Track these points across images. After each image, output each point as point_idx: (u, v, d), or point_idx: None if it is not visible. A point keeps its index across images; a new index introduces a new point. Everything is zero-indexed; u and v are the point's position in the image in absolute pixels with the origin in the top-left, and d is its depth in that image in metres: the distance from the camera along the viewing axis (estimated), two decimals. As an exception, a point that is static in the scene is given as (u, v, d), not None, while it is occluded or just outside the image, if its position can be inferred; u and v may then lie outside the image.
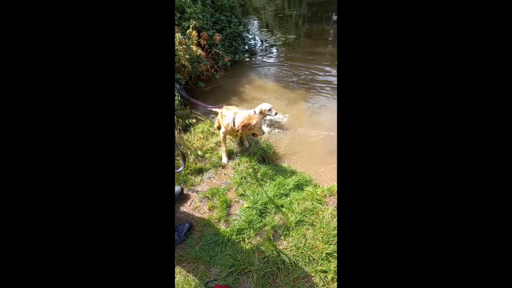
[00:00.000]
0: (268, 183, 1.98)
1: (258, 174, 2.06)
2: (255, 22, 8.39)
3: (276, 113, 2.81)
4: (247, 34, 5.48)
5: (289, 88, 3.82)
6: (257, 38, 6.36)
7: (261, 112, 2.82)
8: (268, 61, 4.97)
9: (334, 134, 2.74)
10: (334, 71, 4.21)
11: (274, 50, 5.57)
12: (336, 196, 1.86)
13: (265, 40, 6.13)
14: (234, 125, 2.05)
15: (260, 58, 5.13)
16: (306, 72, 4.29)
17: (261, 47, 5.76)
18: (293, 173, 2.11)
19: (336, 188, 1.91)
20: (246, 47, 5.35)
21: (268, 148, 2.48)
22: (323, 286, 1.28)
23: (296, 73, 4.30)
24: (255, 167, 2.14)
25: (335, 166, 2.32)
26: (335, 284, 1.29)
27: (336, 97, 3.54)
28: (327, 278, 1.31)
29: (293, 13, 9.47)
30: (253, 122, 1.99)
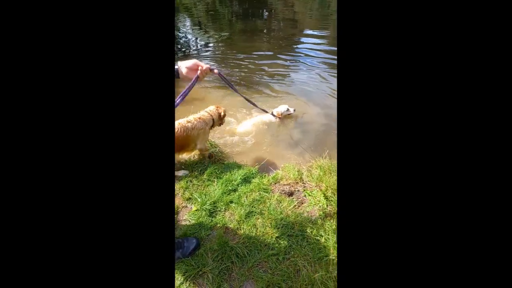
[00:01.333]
0: (215, 182, 1.98)
1: (205, 175, 2.03)
2: (187, 20, 8.09)
3: (294, 110, 2.96)
4: (177, 33, 5.26)
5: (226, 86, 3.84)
6: (189, 36, 6.17)
7: (278, 116, 2.89)
8: (204, 60, 4.89)
9: (267, 126, 2.90)
10: (268, 69, 4.41)
11: (210, 47, 5.50)
12: (280, 182, 1.98)
13: (198, 38, 6.00)
14: None
15: (195, 57, 5.00)
16: (245, 70, 4.38)
17: (194, 46, 5.61)
18: (239, 168, 2.15)
19: (280, 175, 2.03)
20: (179, 46, 5.14)
21: (213, 147, 2.47)
22: (275, 268, 1.36)
23: (234, 71, 4.35)
24: (200, 168, 2.11)
25: (278, 155, 2.46)
26: (287, 262, 1.38)
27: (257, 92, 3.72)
28: (279, 260, 1.40)
29: (225, 11, 9.48)
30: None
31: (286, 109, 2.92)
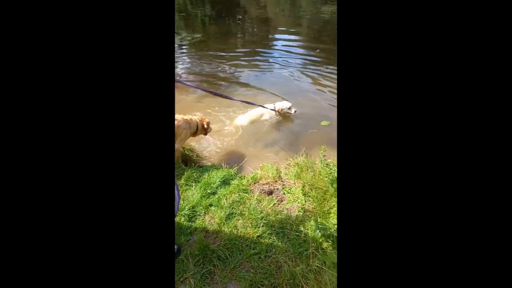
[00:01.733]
0: (193, 186, 1.95)
1: (182, 180, 1.99)
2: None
3: (295, 111, 2.87)
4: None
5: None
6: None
7: (278, 111, 2.81)
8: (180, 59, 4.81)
9: (243, 126, 2.92)
10: (245, 69, 4.44)
11: (183, 49, 5.40)
12: (260, 182, 2.00)
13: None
14: None
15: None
16: (220, 70, 4.36)
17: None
18: (218, 170, 2.14)
19: (259, 175, 2.06)
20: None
21: (190, 151, 2.43)
22: (257, 266, 1.37)
23: (210, 72, 4.31)
24: (177, 173, 2.06)
25: (256, 155, 2.48)
26: (269, 260, 1.41)
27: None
28: (261, 258, 1.42)
29: (197, 12, 9.35)
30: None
31: (288, 107, 2.89)
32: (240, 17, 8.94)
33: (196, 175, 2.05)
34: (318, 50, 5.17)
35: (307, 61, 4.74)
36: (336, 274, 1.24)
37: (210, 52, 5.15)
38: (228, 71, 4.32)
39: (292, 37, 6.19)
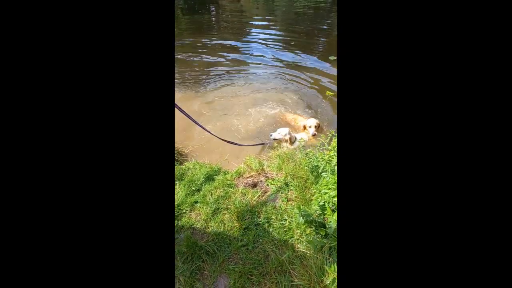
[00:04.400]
0: (177, 184, 1.93)
1: (165, 179, 1.96)
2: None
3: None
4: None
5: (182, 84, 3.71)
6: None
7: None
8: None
9: (227, 116, 2.92)
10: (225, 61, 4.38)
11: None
12: (243, 175, 2.03)
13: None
14: None
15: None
16: (196, 64, 4.26)
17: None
18: (201, 167, 2.13)
19: (242, 169, 2.08)
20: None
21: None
22: (246, 258, 1.41)
23: (187, 68, 4.20)
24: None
25: (239, 149, 2.50)
26: (257, 250, 1.45)
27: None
28: (249, 250, 1.45)
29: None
30: None
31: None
32: (214, 9, 8.74)
33: (179, 173, 2.03)
34: (292, 43, 5.23)
35: (283, 45, 4.79)
36: (319, 257, 1.31)
37: (183, 48, 5.01)
38: (201, 68, 4.25)
39: (267, 29, 6.19)
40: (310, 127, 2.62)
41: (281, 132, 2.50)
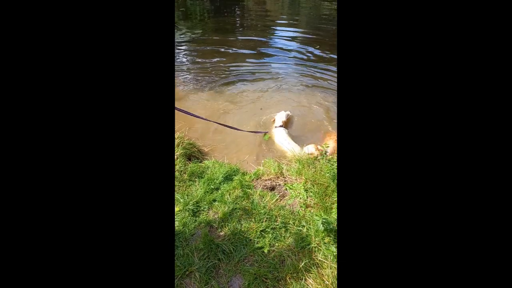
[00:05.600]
0: (197, 182, 1.97)
1: (185, 176, 2.01)
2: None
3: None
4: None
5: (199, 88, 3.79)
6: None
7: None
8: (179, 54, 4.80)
9: (248, 122, 2.93)
10: (245, 65, 4.43)
11: (183, 45, 5.37)
12: (262, 178, 2.02)
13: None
14: None
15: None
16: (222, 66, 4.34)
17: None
18: (221, 166, 2.15)
19: (261, 171, 2.08)
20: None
21: (192, 146, 2.44)
22: (261, 260, 1.40)
23: (212, 69, 4.29)
24: (181, 169, 2.08)
25: (257, 152, 2.50)
26: (272, 254, 1.43)
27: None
28: (264, 253, 1.45)
29: (196, 8, 9.25)
30: None
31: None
32: (239, 12, 8.87)
33: (199, 171, 2.06)
34: (318, 46, 5.18)
35: (306, 55, 4.78)
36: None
37: (209, 48, 5.13)
38: (226, 66, 4.33)
39: (292, 33, 6.20)
40: (274, 120, 2.85)
41: (280, 118, 2.78)
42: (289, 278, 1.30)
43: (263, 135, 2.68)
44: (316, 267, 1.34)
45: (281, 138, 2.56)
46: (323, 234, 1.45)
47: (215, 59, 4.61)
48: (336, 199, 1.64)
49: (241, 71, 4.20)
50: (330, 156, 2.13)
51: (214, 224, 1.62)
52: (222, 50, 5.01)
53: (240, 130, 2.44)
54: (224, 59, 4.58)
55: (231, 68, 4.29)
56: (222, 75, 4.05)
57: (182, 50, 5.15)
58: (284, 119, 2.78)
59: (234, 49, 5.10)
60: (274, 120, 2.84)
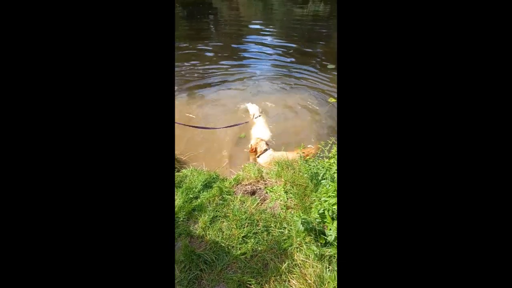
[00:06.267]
0: (175, 191, 1.91)
1: (163, 186, 1.95)
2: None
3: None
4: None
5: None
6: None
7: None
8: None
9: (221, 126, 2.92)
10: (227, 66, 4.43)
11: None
12: (242, 183, 2.02)
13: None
14: None
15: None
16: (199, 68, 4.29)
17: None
18: (199, 174, 2.12)
19: (241, 176, 2.07)
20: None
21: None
22: (244, 266, 1.39)
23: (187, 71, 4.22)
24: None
25: (237, 156, 2.49)
26: (255, 259, 1.43)
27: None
28: (247, 258, 1.44)
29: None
30: None
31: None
32: (213, 17, 8.86)
33: (177, 180, 2.01)
34: (291, 51, 5.32)
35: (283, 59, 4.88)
36: (319, 266, 1.30)
37: (182, 52, 5.06)
38: (203, 70, 4.30)
39: (266, 36, 6.32)
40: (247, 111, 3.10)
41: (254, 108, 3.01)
42: (273, 281, 1.31)
43: (240, 134, 2.80)
44: (299, 267, 1.36)
45: (261, 127, 2.78)
46: (304, 234, 1.47)
47: (189, 63, 4.56)
48: (315, 198, 1.68)
49: (218, 73, 4.19)
50: (308, 157, 2.18)
51: (194, 234, 1.58)
52: (197, 53, 4.97)
53: (218, 128, 2.53)
54: (198, 63, 4.55)
55: (206, 71, 4.26)
56: (197, 79, 4.01)
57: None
58: (257, 112, 2.98)
59: (208, 53, 5.08)
60: (247, 111, 3.04)
